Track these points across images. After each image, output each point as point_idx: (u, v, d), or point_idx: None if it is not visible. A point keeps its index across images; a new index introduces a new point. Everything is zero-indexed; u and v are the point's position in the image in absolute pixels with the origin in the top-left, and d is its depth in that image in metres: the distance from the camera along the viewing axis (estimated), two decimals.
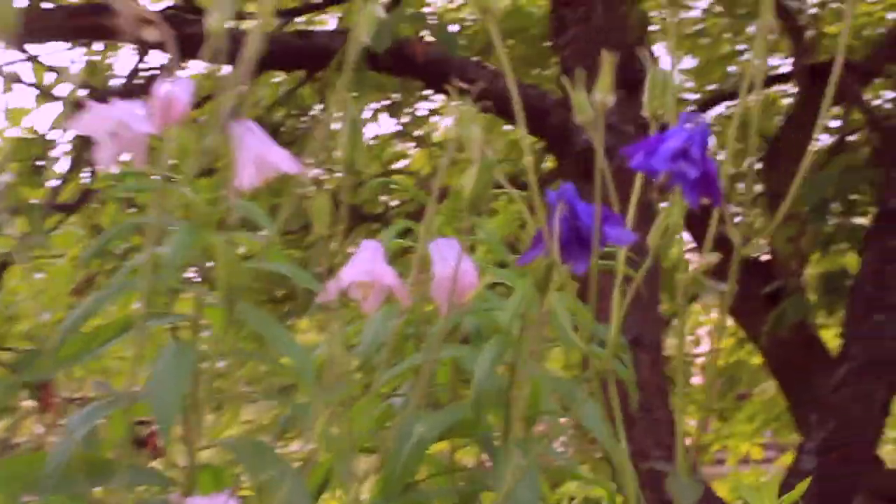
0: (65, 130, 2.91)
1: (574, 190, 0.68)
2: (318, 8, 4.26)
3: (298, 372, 1.00)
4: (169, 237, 1.01)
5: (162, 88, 0.84)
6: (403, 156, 5.37)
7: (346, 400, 1.05)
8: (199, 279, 1.05)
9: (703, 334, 7.28)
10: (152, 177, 0.97)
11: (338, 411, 1.04)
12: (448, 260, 0.84)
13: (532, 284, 0.73)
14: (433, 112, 5.31)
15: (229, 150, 0.79)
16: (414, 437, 0.94)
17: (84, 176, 2.97)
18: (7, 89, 3.00)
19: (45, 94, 2.99)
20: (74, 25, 2.86)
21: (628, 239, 0.69)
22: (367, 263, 0.85)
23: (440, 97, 5.04)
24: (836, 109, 4.52)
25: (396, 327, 0.99)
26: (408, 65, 3.31)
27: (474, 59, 3.76)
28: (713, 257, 0.69)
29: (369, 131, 5.42)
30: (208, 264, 0.99)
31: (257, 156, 0.81)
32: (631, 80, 3.71)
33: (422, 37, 3.27)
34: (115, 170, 0.90)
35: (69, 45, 3.28)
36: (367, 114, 5.25)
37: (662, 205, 0.74)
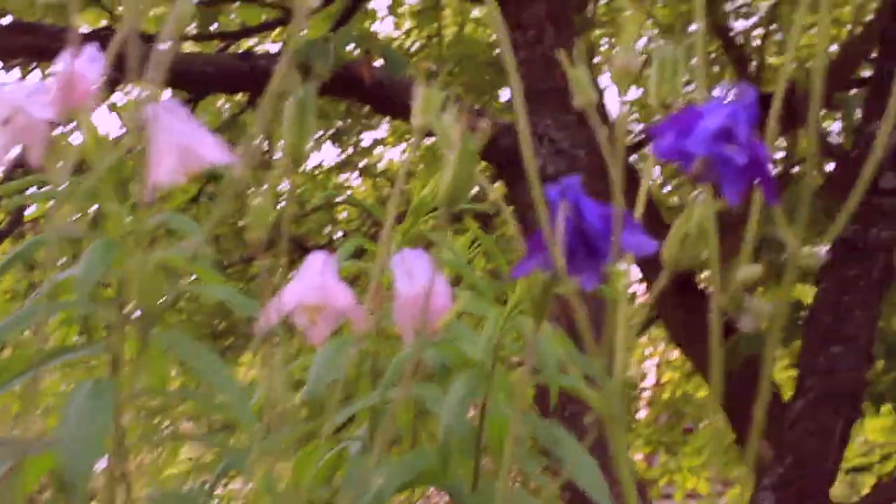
0: None
1: (580, 185, 0.54)
2: (264, 30, 4.13)
3: (236, 411, 0.86)
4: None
5: (64, 63, 0.69)
6: (347, 187, 5.25)
7: (294, 444, 0.91)
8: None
9: (650, 367, 7.21)
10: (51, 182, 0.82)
11: (282, 456, 0.90)
12: (416, 277, 0.68)
13: (529, 303, 0.58)
14: (377, 142, 5.19)
15: (146, 138, 0.63)
16: (372, 490, 0.79)
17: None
18: None
19: None
20: (6, 45, 2.71)
21: (650, 248, 0.55)
22: (314, 281, 0.68)
23: (385, 127, 4.92)
24: (781, 140, 4.49)
25: (350, 360, 0.84)
26: (354, 88, 3.19)
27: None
28: (754, 270, 0.56)
29: (312, 161, 5.29)
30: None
31: (181, 143, 0.65)
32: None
33: (370, 58, 3.15)
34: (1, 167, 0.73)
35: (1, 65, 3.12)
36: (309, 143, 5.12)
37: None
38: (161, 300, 0.71)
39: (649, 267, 4.02)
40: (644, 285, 4.83)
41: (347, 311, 0.68)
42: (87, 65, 0.72)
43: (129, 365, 0.84)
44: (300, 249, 3.92)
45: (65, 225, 0.77)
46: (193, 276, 1.00)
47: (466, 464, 0.90)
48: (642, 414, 6.84)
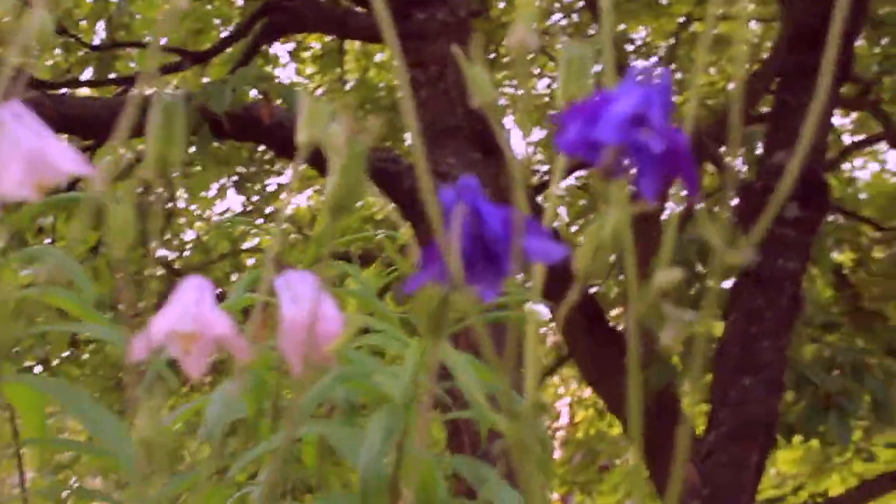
0: None
1: (478, 186, 0.49)
2: (164, 74, 4.03)
3: (116, 453, 0.79)
4: None
5: None
6: (254, 233, 5.16)
7: (193, 488, 0.84)
8: None
9: (562, 406, 7.20)
10: None
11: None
12: (301, 300, 0.62)
13: (424, 320, 0.52)
14: (282, 188, 5.12)
15: None
16: None
17: None
18: None
19: None
20: None
21: (557, 254, 0.49)
22: (189, 307, 0.60)
23: (289, 173, 4.86)
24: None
25: (245, 398, 0.78)
26: (253, 129, 3.13)
27: None
28: (673, 274, 0.51)
29: (218, 208, 5.19)
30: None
31: (28, 151, 0.57)
32: (488, 143, 3.62)
33: (269, 99, 3.09)
34: None
35: None
36: (213, 191, 5.03)
37: None
38: (15, 337, 0.63)
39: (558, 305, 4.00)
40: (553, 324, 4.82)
41: (225, 340, 0.61)
42: None
43: None
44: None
45: None
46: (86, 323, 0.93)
47: None
48: (557, 454, 6.82)
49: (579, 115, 0.45)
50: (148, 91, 0.65)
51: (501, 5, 5.60)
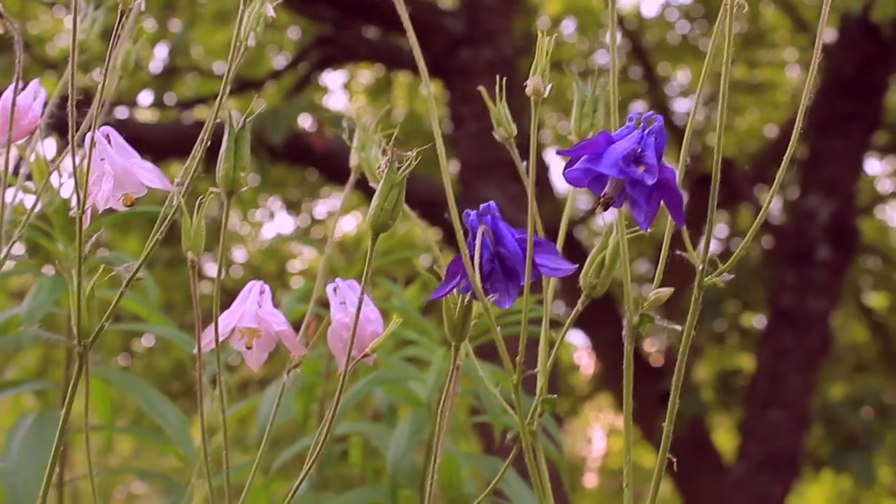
0: None
1: (497, 209, 0.59)
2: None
3: (179, 445, 0.90)
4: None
5: (6, 96, 0.73)
6: (298, 256, 5.28)
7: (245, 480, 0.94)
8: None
9: (597, 434, 7.23)
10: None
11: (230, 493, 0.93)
12: (349, 305, 0.73)
13: (448, 325, 0.63)
14: (332, 214, 5.24)
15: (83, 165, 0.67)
16: None
17: None
18: None
19: None
20: None
21: (566, 269, 0.59)
22: (251, 307, 0.72)
23: (339, 198, 4.98)
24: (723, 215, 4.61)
25: (296, 395, 0.88)
26: (305, 156, 3.26)
27: None
28: (666, 291, 0.61)
29: (268, 230, 5.32)
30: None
31: (118, 169, 0.69)
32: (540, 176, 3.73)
33: (321, 129, 3.22)
34: None
35: None
36: (265, 213, 5.16)
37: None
38: (99, 328, 0.74)
39: (597, 338, 4.09)
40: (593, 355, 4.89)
41: (282, 336, 0.72)
42: (31, 99, 0.76)
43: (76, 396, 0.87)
44: None
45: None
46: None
47: (412, 501, 0.94)
48: (592, 481, 6.85)
49: (585, 151, 0.55)
50: (209, 116, 0.76)
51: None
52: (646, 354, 4.52)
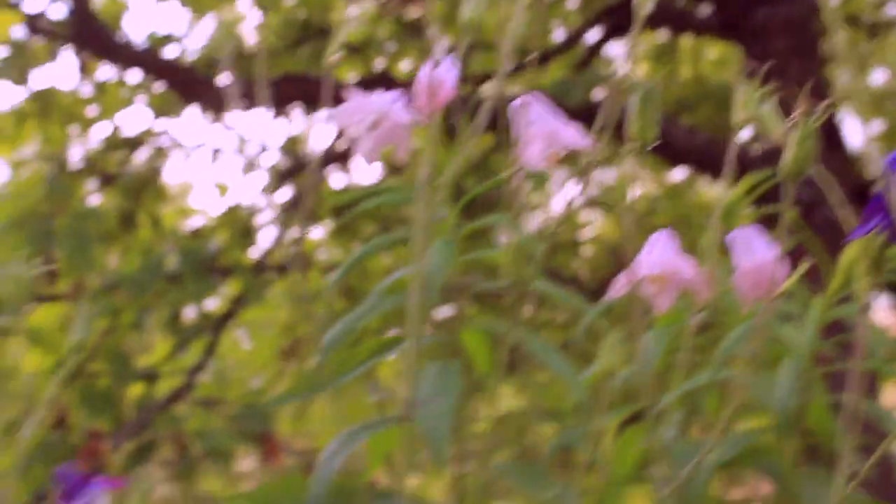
0: (270, 198, 2.96)
1: None
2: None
3: (571, 391, 0.93)
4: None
5: (425, 72, 0.78)
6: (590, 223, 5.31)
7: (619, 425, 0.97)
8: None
9: None
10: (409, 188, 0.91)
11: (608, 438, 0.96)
12: (754, 252, 0.75)
13: (863, 263, 0.62)
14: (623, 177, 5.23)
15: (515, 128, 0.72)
16: (707, 465, 0.84)
17: (290, 240, 3.00)
18: (214, 160, 3.08)
19: (251, 165, 3.06)
20: (282, 93, 2.93)
21: None
22: (661, 255, 0.76)
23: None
24: None
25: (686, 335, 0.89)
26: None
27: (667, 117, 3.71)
28: None
29: (558, 200, 5.37)
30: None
31: (546, 131, 0.74)
32: (832, 134, 3.58)
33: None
34: (374, 167, 0.83)
35: (272, 113, 3.37)
36: (556, 182, 5.23)
37: None
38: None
39: None
40: None
41: (691, 281, 0.75)
42: (445, 72, 0.81)
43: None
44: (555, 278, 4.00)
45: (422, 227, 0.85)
46: None
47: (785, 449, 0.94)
48: None
49: None
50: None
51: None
52: None
